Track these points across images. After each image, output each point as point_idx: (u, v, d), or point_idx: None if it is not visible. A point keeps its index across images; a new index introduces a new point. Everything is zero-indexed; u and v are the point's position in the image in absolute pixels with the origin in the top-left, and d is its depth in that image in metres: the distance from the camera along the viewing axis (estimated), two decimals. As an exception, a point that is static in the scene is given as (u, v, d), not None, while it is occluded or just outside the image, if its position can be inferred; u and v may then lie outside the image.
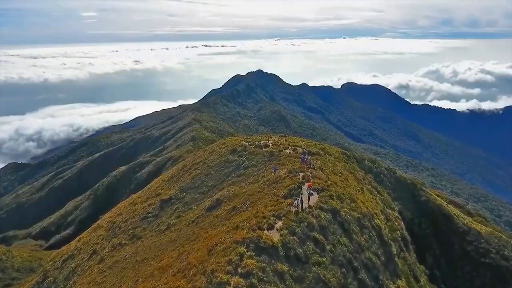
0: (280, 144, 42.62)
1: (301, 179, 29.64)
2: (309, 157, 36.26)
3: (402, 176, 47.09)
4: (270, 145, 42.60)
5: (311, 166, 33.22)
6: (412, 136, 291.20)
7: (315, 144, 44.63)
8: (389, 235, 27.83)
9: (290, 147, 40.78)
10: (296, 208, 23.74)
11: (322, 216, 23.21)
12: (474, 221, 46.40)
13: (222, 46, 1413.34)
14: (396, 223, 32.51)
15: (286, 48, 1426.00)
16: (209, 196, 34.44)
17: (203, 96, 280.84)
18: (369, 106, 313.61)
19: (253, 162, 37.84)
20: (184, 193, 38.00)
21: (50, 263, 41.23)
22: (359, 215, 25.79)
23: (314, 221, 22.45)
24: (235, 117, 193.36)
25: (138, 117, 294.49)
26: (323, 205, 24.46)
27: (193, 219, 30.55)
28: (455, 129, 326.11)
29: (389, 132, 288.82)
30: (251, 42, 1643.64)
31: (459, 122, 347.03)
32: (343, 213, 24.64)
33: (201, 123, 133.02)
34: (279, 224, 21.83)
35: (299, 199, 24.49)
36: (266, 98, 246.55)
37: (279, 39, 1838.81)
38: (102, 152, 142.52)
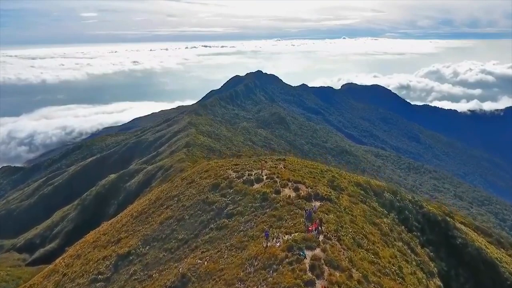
0: (278, 175, 34.01)
1: (308, 269, 19.60)
2: (318, 205, 27.89)
3: (431, 211, 39.43)
4: (264, 177, 33.90)
5: (321, 230, 23.80)
6: (413, 137, 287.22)
7: (321, 172, 36.46)
8: None
9: (290, 183, 32.13)
10: None
11: None
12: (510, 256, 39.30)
13: (222, 46, 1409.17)
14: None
15: (286, 48, 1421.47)
16: (176, 258, 27.04)
17: (202, 97, 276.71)
18: (369, 107, 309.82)
19: (239, 208, 29.53)
20: (148, 247, 30.35)
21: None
22: None
23: None
24: (234, 119, 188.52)
25: (136, 118, 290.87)
26: None
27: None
28: (456, 129, 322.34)
29: (390, 133, 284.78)
30: (251, 42, 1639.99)
31: (460, 122, 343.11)
32: None
33: (197, 127, 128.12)
34: None
35: None
36: (266, 99, 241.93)
37: (279, 40, 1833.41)
38: (94, 157, 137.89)
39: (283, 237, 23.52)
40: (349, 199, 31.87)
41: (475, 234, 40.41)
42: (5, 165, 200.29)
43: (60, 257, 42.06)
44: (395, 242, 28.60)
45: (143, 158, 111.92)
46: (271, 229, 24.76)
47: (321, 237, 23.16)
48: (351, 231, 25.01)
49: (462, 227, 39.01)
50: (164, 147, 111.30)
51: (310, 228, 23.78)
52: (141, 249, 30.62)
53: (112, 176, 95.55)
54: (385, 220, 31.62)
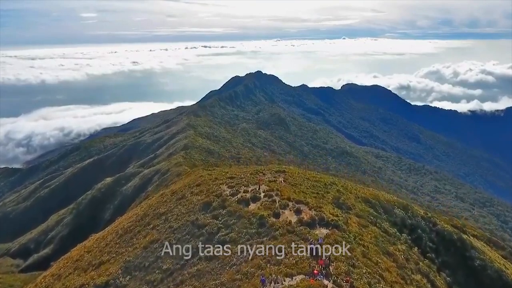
0: (277, 192, 31.39)
1: None
2: (323, 235, 24.73)
3: (446, 229, 36.93)
4: (261, 195, 31.28)
5: (330, 271, 20.25)
6: (413, 138, 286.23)
7: (325, 185, 33.87)
8: None
9: (291, 204, 29.38)
10: None
11: None
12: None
13: (222, 46, 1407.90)
14: None
15: (285, 48, 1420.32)
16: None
17: (201, 97, 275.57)
18: (369, 107, 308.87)
19: (232, 234, 26.71)
20: (128, 277, 27.31)
21: None
22: None
23: None
24: (233, 121, 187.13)
25: (135, 119, 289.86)
26: None
27: None
28: (456, 130, 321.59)
29: (390, 134, 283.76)
30: (251, 42, 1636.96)
31: (460, 123, 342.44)
32: None
33: (195, 128, 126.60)
34: None
35: None
36: (265, 100, 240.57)
37: (279, 40, 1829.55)
38: (91, 159, 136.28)
39: (283, 282, 19.87)
40: (358, 221, 29.19)
41: (491, 250, 38.47)
42: (2, 166, 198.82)
43: (43, 274, 40.32)
44: (413, 276, 26.13)
45: (141, 161, 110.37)
46: (268, 266, 21.90)
47: (330, 284, 19.41)
48: (365, 272, 21.92)
49: (478, 244, 36.91)
50: (162, 149, 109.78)
51: (315, 271, 20.15)
52: (120, 279, 27.73)
53: (108, 179, 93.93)
54: (399, 246, 29.22)
